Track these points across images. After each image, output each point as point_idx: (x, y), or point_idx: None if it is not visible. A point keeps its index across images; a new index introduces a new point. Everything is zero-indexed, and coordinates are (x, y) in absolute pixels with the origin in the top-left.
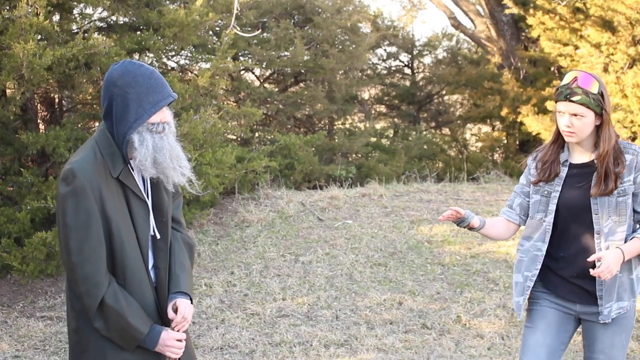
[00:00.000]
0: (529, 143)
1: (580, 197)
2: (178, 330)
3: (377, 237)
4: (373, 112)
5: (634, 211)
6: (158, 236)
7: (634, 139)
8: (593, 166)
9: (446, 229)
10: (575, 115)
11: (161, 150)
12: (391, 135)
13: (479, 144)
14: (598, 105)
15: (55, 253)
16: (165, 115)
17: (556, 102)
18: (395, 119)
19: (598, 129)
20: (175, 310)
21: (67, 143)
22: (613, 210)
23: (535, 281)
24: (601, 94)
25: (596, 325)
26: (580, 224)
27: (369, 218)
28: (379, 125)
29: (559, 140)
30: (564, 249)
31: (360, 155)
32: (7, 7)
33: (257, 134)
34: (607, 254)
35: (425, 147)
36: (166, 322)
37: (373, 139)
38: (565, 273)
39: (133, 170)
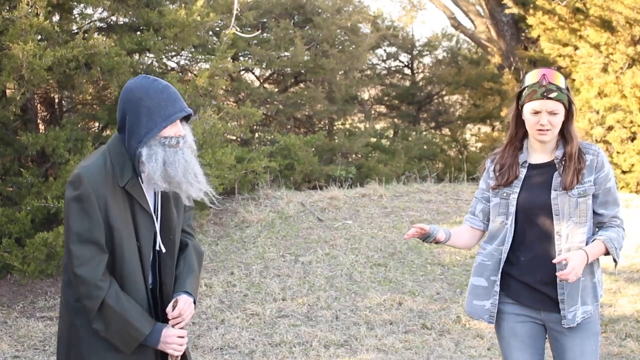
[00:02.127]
0: None
1: (540, 197)
2: (174, 326)
3: (377, 237)
4: (373, 112)
5: (595, 213)
6: (164, 250)
7: (633, 139)
8: (553, 166)
9: None
10: (552, 112)
11: (172, 164)
12: (391, 136)
13: (479, 144)
14: (568, 99)
15: (55, 253)
16: (179, 129)
17: (526, 102)
18: (395, 119)
19: (564, 125)
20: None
21: (67, 143)
22: (573, 211)
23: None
24: (567, 88)
25: (563, 335)
26: (541, 226)
27: (369, 218)
28: (378, 126)
29: (515, 142)
30: (524, 252)
31: (360, 156)
32: (7, 8)
33: (257, 135)
34: (573, 255)
35: (425, 147)
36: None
37: (373, 139)
38: (528, 279)
39: (143, 182)
